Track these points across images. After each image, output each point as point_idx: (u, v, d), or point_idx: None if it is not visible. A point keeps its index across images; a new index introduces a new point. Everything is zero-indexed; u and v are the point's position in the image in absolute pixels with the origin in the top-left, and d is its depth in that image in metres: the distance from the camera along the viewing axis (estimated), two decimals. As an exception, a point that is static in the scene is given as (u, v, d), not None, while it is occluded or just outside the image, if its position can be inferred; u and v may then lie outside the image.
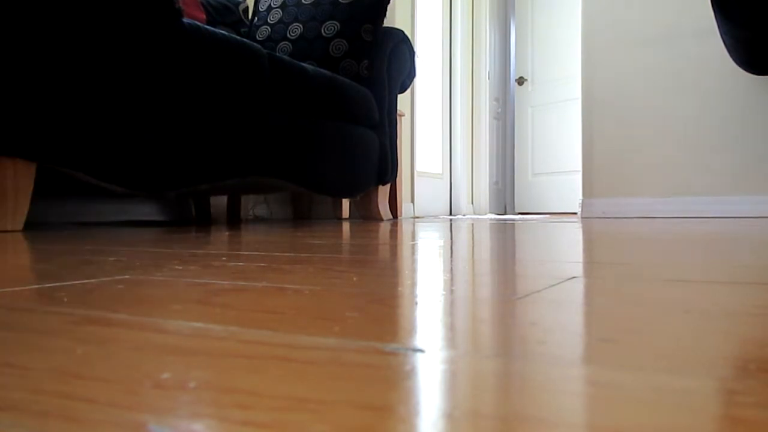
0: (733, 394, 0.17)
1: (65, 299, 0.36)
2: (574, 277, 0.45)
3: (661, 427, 0.15)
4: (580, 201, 2.76)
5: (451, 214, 4.28)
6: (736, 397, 0.17)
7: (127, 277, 0.47)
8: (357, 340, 0.24)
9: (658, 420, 0.15)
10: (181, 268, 0.53)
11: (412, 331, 0.27)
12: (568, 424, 0.15)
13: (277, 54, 1.90)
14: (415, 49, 2.72)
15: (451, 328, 0.27)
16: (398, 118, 2.85)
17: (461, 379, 0.19)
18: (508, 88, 5.13)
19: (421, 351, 0.23)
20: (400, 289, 0.40)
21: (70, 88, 1.26)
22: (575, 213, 4.38)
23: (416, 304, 0.34)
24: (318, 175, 2.03)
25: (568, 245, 0.82)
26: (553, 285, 0.41)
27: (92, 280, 0.44)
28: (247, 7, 2.58)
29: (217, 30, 1.62)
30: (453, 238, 1.01)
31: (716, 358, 0.22)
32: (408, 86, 2.67)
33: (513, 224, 1.84)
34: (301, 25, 2.29)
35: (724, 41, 2.01)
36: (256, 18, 2.43)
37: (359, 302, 0.34)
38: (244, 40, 1.70)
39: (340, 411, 0.16)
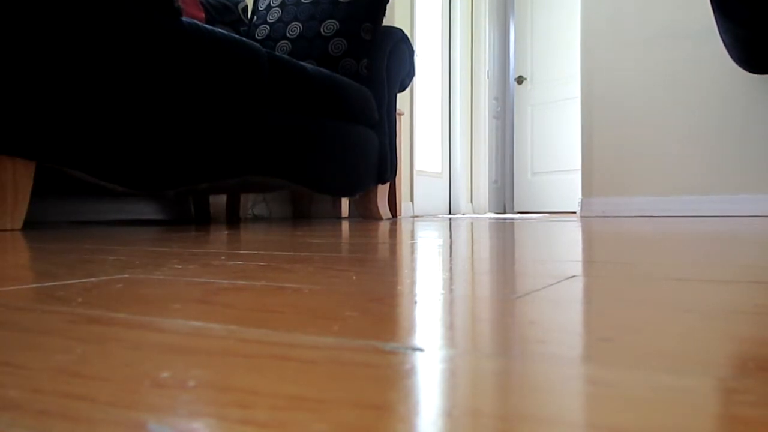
0: (732, 392, 0.17)
1: (64, 298, 0.36)
2: (573, 276, 0.45)
3: (661, 426, 0.15)
4: (580, 200, 2.76)
5: (450, 213, 4.28)
6: (735, 395, 0.17)
7: (126, 276, 0.47)
8: (356, 339, 0.25)
9: (657, 419, 0.15)
10: (180, 267, 0.53)
11: (411, 330, 0.27)
12: (568, 422, 0.15)
13: (277, 53, 1.90)
14: (414, 48, 2.72)
15: (450, 327, 0.27)
16: (397, 117, 2.85)
17: (461, 378, 0.19)
18: (508, 87, 5.13)
19: (421, 350, 0.23)
20: (399, 288, 0.40)
21: (70, 87, 1.25)
22: (575, 212, 4.38)
23: (415, 303, 0.34)
24: (317, 174, 2.03)
25: (567, 244, 0.82)
26: (553, 284, 0.41)
27: (92, 279, 0.44)
28: (246, 6, 2.58)
29: (216, 29, 1.62)
30: (452, 238, 1.01)
31: (716, 357, 0.22)
32: (407, 85, 2.67)
33: (512, 223, 1.84)
34: (300, 24, 2.29)
35: (723, 40, 2.01)
36: (255, 17, 2.42)
37: (358, 301, 0.34)
38: (243, 39, 1.70)
39: (340, 410, 0.16)
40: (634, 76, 2.63)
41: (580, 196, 3.52)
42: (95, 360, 0.22)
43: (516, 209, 4.99)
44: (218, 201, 2.64)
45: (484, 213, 4.41)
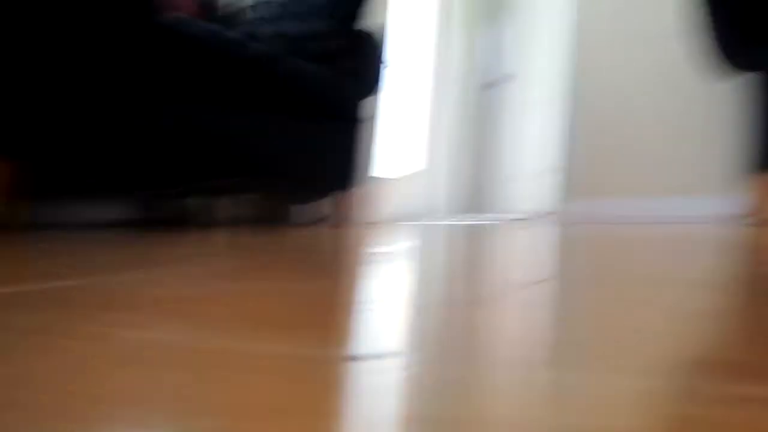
0: (693, 393, 0.18)
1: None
2: (541, 281, 0.45)
3: (624, 427, 0.15)
4: (560, 202, 2.76)
5: (426, 217, 4.28)
6: (697, 396, 0.18)
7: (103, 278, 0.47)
8: (312, 348, 0.24)
9: (619, 421, 0.16)
10: (144, 276, 0.54)
11: (370, 338, 0.26)
12: (531, 426, 0.15)
13: (250, 50, 1.87)
14: (393, 47, 2.70)
15: (412, 334, 0.27)
16: (373, 118, 2.82)
17: (422, 385, 0.19)
18: (488, 86, 5.13)
19: (379, 357, 0.23)
20: (359, 296, 0.39)
21: (48, 86, 1.23)
22: (553, 214, 4.40)
23: (376, 311, 0.33)
24: (283, 176, 2.00)
25: (540, 248, 0.82)
26: (521, 289, 0.41)
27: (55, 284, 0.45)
28: (229, 4, 2.56)
29: (193, 26, 1.60)
30: (422, 244, 0.98)
31: (679, 358, 0.22)
32: (383, 86, 2.63)
33: (486, 227, 1.82)
34: (278, 23, 2.28)
35: (705, 40, 2.00)
36: (233, 14, 2.41)
37: (316, 310, 0.33)
38: (218, 35, 1.67)
39: (293, 418, 0.16)
40: (620, 76, 2.61)
41: (560, 198, 3.54)
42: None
43: (494, 212, 4.99)
44: (189, 204, 2.60)
45: (460, 216, 4.40)
